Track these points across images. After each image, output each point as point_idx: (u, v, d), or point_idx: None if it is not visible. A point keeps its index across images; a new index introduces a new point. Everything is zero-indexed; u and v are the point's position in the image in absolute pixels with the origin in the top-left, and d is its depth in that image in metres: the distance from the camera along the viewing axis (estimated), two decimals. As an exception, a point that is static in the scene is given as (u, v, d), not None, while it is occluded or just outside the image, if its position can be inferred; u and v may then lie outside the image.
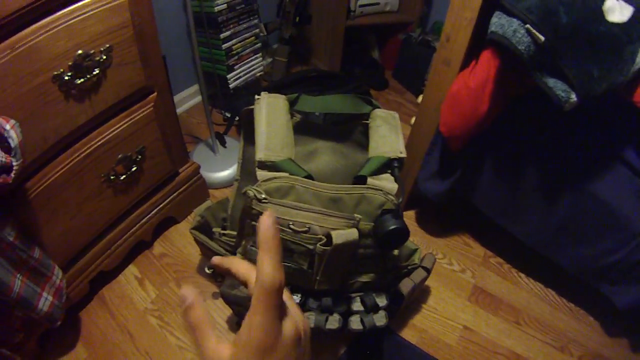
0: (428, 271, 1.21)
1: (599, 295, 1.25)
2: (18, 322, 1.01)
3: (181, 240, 1.55)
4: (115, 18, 0.97)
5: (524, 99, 1.15)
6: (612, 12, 0.92)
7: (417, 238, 1.61)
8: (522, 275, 1.51)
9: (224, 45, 1.83)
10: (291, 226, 0.90)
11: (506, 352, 1.30)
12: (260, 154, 0.95)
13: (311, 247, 0.92)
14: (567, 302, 1.43)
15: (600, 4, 0.91)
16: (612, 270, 1.17)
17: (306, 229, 0.90)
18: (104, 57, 0.98)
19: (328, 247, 0.89)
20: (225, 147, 1.84)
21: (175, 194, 1.48)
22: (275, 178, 0.92)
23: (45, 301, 1.00)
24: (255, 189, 0.90)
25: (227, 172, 1.75)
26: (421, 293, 1.42)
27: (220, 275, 1.22)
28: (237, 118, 1.86)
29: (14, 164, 0.78)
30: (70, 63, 0.91)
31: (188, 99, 2.18)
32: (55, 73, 0.89)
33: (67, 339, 1.26)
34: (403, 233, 0.92)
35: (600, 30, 0.91)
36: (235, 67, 1.95)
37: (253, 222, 0.95)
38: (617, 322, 1.36)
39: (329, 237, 0.89)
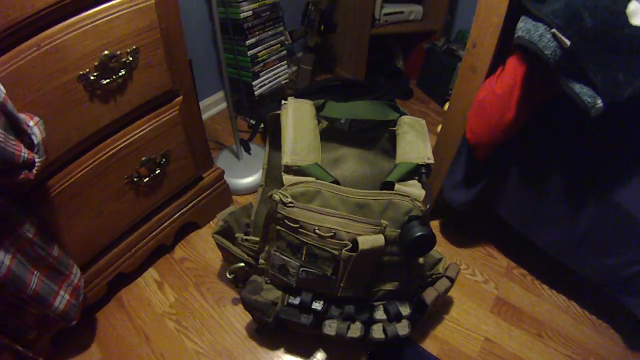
0: (452, 281, 1.18)
1: (622, 308, 1.22)
2: (32, 319, 1.00)
3: (202, 245, 1.54)
4: (142, 20, 0.97)
5: (549, 106, 1.13)
6: (636, 15, 0.91)
7: (441, 248, 1.58)
8: (545, 287, 1.47)
9: (250, 52, 1.83)
10: (317, 231, 0.89)
11: (528, 365, 1.27)
12: (287, 158, 0.94)
13: (336, 252, 0.91)
14: (590, 314, 1.40)
15: (623, 8, 0.89)
16: (634, 282, 1.14)
17: (332, 234, 0.89)
18: (130, 58, 0.98)
19: (354, 253, 0.88)
20: (249, 153, 1.83)
21: (198, 199, 1.48)
22: (301, 182, 0.91)
23: (62, 300, 1.00)
24: (281, 193, 0.89)
25: (251, 179, 1.74)
26: (443, 303, 1.39)
27: (241, 281, 1.21)
28: (262, 125, 1.85)
29: (37, 160, 0.78)
30: (96, 63, 0.91)
31: (212, 106, 2.19)
32: (81, 72, 0.89)
33: (82, 339, 1.26)
34: (430, 240, 0.91)
35: (624, 33, 0.89)
36: (261, 74, 1.94)
37: (278, 227, 0.94)
38: (640, 335, 1.33)
39: (354, 242, 0.88)
